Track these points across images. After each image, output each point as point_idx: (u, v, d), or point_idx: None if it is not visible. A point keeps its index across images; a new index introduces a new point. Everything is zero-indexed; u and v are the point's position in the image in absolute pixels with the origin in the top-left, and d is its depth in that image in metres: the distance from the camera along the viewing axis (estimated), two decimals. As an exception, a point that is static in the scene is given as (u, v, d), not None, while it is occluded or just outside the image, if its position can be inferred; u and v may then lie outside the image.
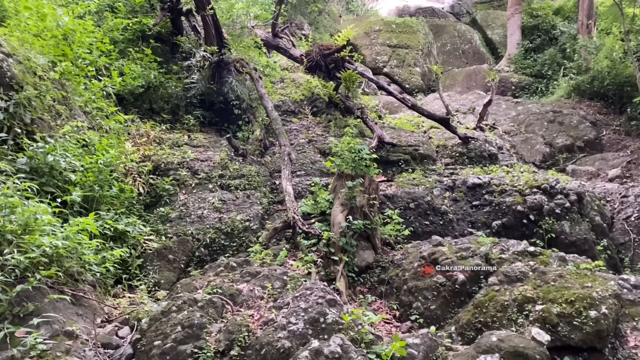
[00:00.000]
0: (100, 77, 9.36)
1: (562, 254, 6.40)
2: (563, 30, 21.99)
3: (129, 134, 9.42)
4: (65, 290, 4.90)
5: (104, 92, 9.31)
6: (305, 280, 5.67)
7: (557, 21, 23.10)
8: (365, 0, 32.97)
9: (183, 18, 12.38)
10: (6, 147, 6.14)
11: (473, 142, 11.63)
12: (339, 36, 13.07)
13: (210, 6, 11.15)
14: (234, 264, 6.07)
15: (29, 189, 5.44)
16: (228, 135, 9.53)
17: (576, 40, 19.93)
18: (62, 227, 5.16)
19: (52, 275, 4.77)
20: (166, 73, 11.22)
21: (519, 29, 22.63)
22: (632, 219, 9.91)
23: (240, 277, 5.65)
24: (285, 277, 5.65)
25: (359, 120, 11.04)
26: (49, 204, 5.37)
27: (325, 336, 4.58)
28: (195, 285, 5.54)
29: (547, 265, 6.10)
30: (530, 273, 5.82)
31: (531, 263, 6.08)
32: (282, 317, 4.80)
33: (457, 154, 11.44)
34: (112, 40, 10.47)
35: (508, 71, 21.58)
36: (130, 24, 11.40)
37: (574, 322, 4.99)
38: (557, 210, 8.88)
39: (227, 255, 7.21)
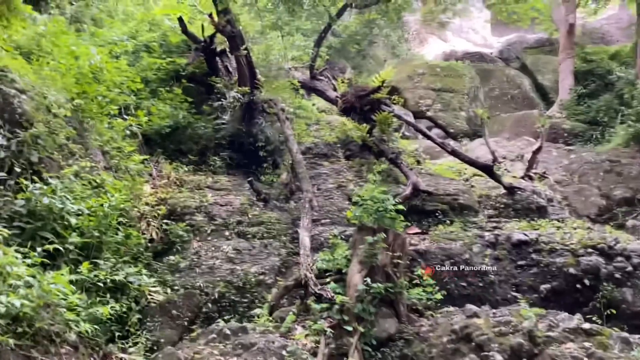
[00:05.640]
0: (126, 117, 9.19)
1: (625, 334, 5.35)
2: (620, 75, 20.80)
3: (150, 175, 9.11)
4: (34, 354, 4.31)
5: (130, 132, 9.11)
6: (306, 358, 4.84)
7: (613, 66, 21.95)
8: (411, 44, 32.79)
9: (218, 58, 12.24)
10: (3, 187, 5.80)
11: (519, 192, 10.61)
12: (376, 78, 12.57)
13: (243, 47, 10.99)
14: (228, 332, 5.33)
15: (15, 236, 5.00)
16: (250, 179, 9.03)
17: (635, 86, 18.70)
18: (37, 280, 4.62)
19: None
20: (198, 113, 11.00)
21: (571, 73, 21.60)
22: None
23: (231, 349, 4.88)
24: (283, 352, 4.85)
25: (392, 165, 10.33)
26: (25, 254, 4.85)
27: None
28: (179, 357, 4.83)
29: (607, 348, 5.07)
30: (585, 359, 4.82)
31: (586, 345, 5.09)
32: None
33: (502, 206, 10.42)
34: (144, 80, 10.39)
35: (560, 117, 20.43)
36: (164, 64, 11.35)
37: None
38: (617, 275, 7.77)
39: (228, 318, 6.46)
